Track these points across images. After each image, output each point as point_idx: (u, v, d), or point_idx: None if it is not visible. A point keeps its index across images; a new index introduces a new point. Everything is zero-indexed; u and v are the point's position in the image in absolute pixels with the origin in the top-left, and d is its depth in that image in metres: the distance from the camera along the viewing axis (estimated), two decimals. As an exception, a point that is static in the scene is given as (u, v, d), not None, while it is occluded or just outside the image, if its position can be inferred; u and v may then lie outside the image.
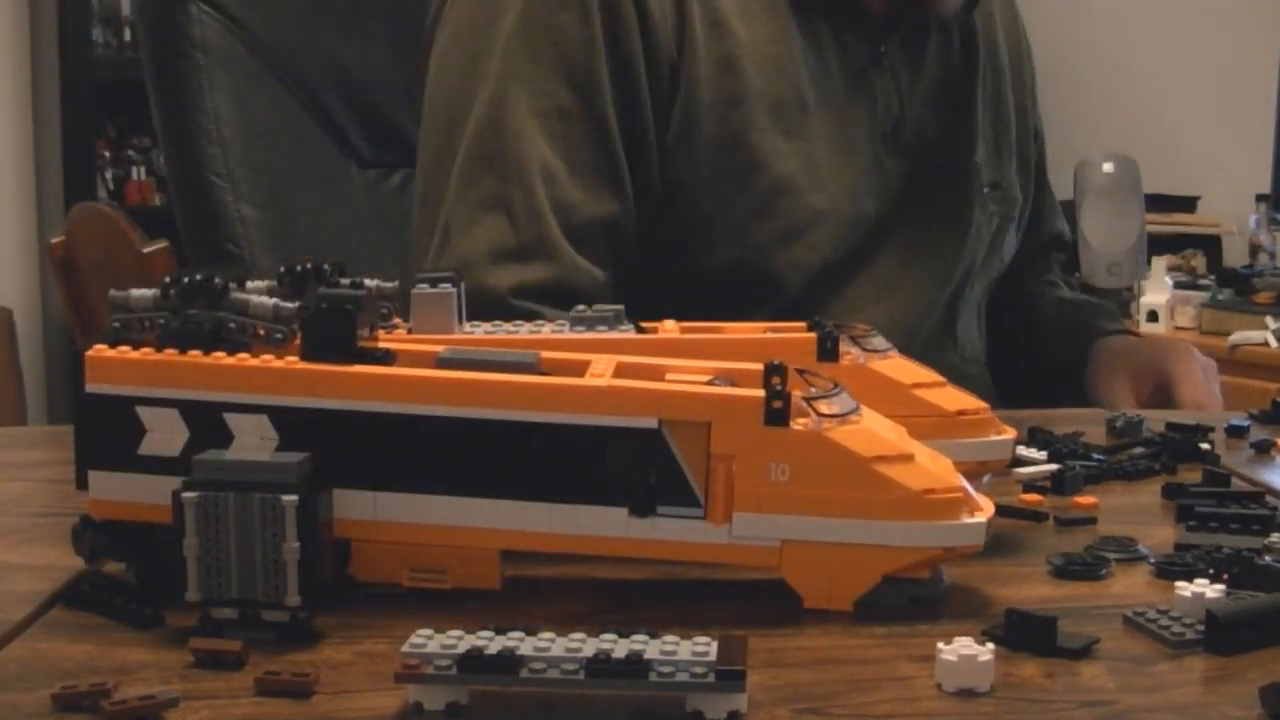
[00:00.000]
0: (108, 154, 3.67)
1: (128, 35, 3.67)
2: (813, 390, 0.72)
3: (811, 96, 1.23)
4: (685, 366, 0.74)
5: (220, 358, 0.70)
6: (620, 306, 0.79)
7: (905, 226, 1.27)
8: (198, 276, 0.71)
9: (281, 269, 0.73)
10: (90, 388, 0.71)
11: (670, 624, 0.69)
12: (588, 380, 0.70)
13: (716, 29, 1.20)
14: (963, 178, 1.33)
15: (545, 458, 0.69)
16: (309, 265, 0.73)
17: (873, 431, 0.71)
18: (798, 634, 0.68)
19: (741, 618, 0.70)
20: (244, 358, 0.70)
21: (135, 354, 0.71)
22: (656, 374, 0.73)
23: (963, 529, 0.70)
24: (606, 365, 0.72)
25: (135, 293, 0.72)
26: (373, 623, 0.69)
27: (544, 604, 0.72)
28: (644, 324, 0.79)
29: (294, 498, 0.64)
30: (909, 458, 0.71)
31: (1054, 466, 0.95)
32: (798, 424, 0.69)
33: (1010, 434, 0.78)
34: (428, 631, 0.59)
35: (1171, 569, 0.76)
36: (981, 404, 0.77)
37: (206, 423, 0.70)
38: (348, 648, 0.66)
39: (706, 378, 0.73)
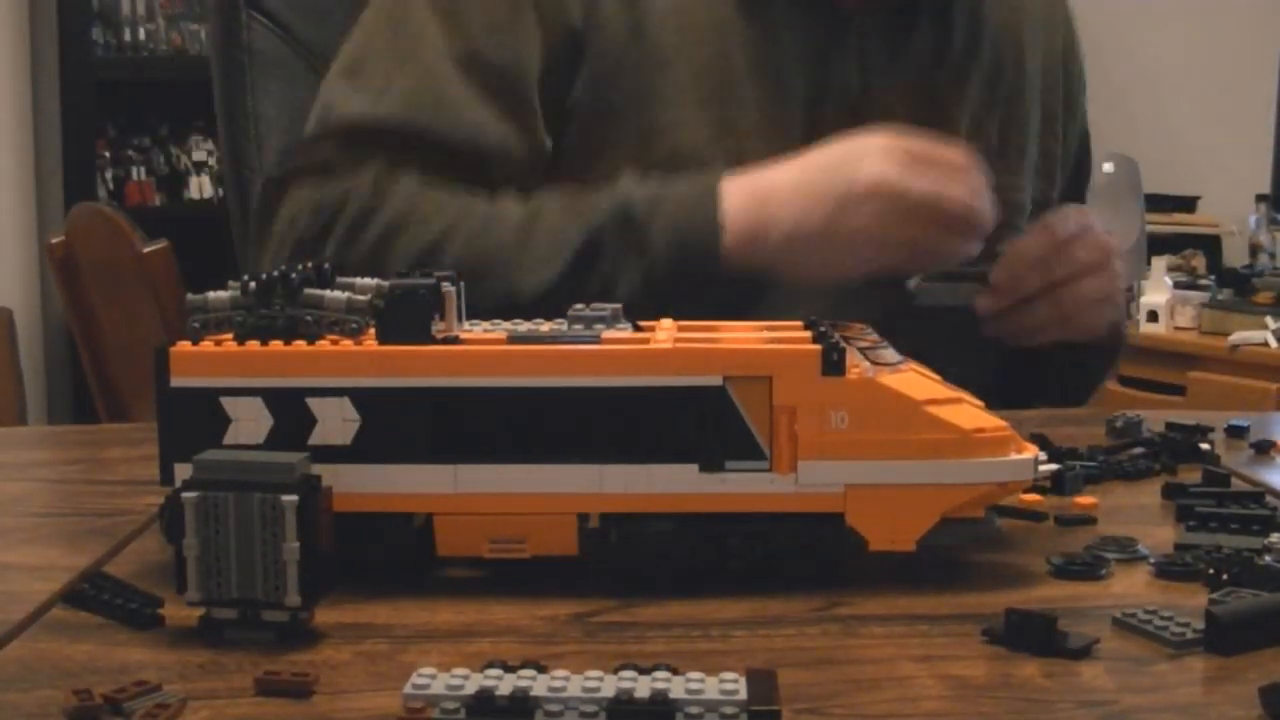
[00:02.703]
0: (108, 154, 3.67)
1: (128, 35, 3.67)
2: (860, 342, 0.77)
3: (742, 65, 1.20)
4: (735, 326, 0.80)
5: (301, 345, 0.74)
6: (619, 305, 0.79)
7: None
8: (274, 273, 0.74)
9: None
10: (176, 382, 0.74)
11: (670, 624, 0.69)
12: (652, 344, 0.74)
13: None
14: None
15: (617, 421, 0.73)
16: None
17: (921, 377, 0.76)
18: (798, 634, 0.68)
19: (741, 616, 0.70)
20: (323, 344, 0.74)
21: (219, 347, 0.74)
22: (713, 336, 0.77)
23: (1013, 465, 0.75)
24: (669, 331, 0.77)
25: (212, 294, 0.75)
26: (373, 623, 0.69)
27: (543, 603, 0.72)
28: (641, 323, 0.79)
29: (294, 498, 0.64)
30: (958, 400, 0.75)
31: (1054, 466, 0.94)
32: (853, 373, 0.73)
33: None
34: (430, 670, 0.58)
35: (1171, 569, 0.76)
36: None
37: (290, 409, 0.73)
38: (348, 648, 0.66)
39: (761, 334, 0.77)
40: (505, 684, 0.57)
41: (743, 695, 0.56)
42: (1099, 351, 1.31)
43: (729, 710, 0.56)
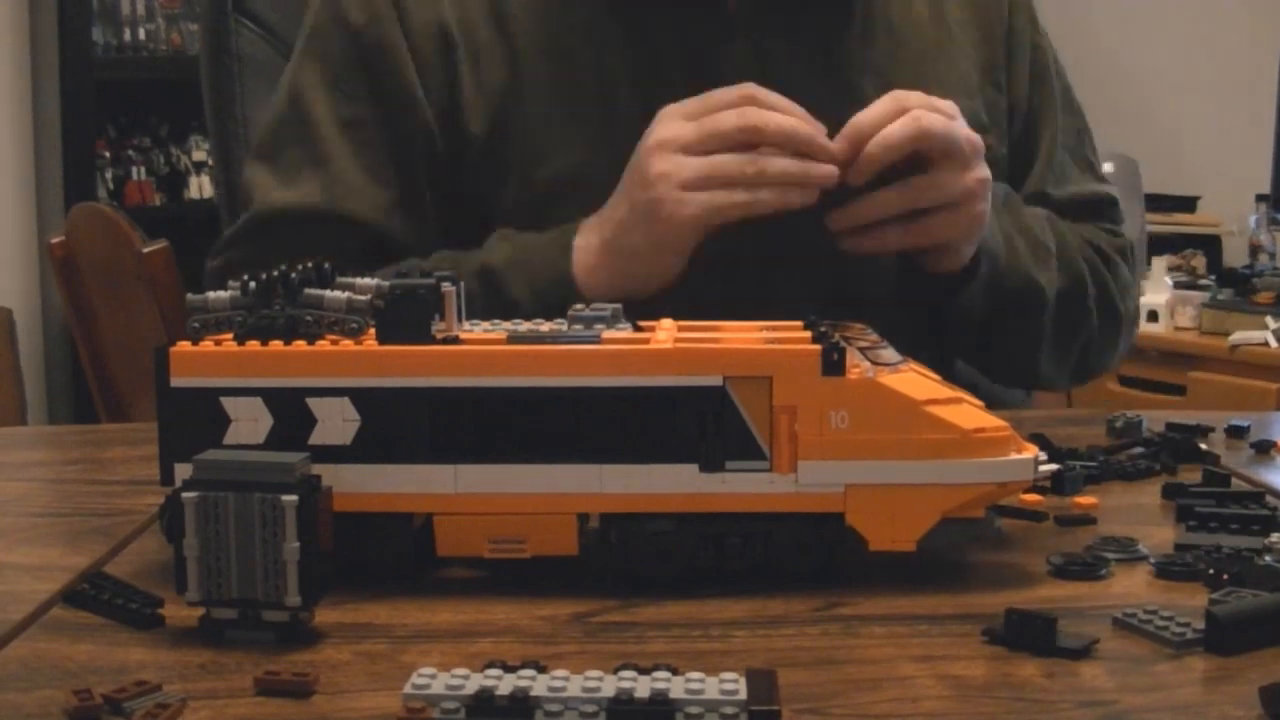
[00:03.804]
0: (108, 154, 3.67)
1: (127, 35, 3.67)
2: (860, 342, 0.76)
3: (623, 83, 1.18)
4: (735, 326, 0.80)
5: (301, 345, 0.74)
6: (618, 305, 0.79)
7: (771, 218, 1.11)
8: (274, 274, 0.75)
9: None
10: (175, 382, 0.74)
11: (670, 624, 0.69)
12: (653, 344, 0.74)
13: (499, 22, 1.20)
14: None
15: (617, 421, 0.73)
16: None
17: (921, 377, 0.75)
18: (798, 634, 0.68)
19: (741, 616, 0.70)
20: (323, 344, 0.74)
21: (219, 347, 0.74)
22: (713, 336, 0.77)
23: (1013, 465, 0.75)
24: (669, 331, 0.77)
25: (212, 295, 0.75)
26: (373, 623, 0.69)
27: (543, 603, 0.72)
28: (641, 323, 0.79)
29: (294, 498, 0.64)
30: (958, 400, 0.75)
31: (1054, 466, 0.94)
32: (853, 373, 0.73)
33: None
34: (430, 670, 0.58)
35: (1171, 569, 0.76)
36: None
37: (290, 409, 0.73)
38: (348, 648, 0.66)
39: (761, 334, 0.77)
40: (505, 684, 0.57)
41: (743, 695, 0.56)
42: (967, 277, 1.19)
43: (729, 710, 0.56)
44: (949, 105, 1.12)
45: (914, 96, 1.10)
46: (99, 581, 0.72)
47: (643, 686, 0.57)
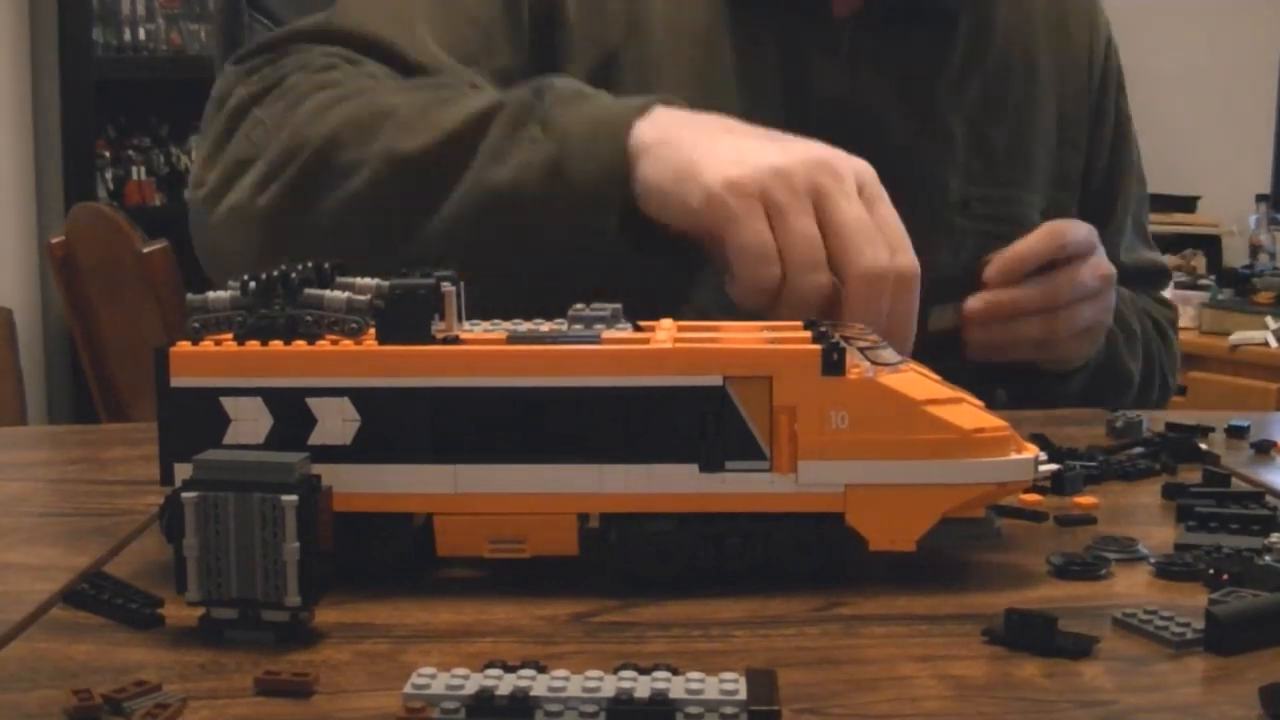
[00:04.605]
0: (108, 154, 3.67)
1: (127, 35, 3.68)
2: (860, 342, 0.77)
3: (727, 70, 1.19)
4: (735, 326, 0.80)
5: (301, 345, 0.74)
6: (618, 305, 0.79)
7: None
8: (273, 274, 0.75)
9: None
10: (175, 382, 0.74)
11: (670, 624, 0.69)
12: (653, 344, 0.74)
13: None
14: (929, 185, 1.23)
15: (617, 421, 0.73)
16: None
17: (921, 377, 0.76)
18: (798, 634, 0.68)
19: (741, 616, 0.70)
20: (323, 345, 0.74)
21: (219, 347, 0.74)
22: (713, 336, 0.77)
23: (1013, 465, 0.75)
24: (669, 331, 0.77)
25: (212, 295, 0.75)
26: (373, 623, 0.69)
27: (543, 603, 0.72)
28: (641, 323, 0.79)
29: (294, 498, 0.64)
30: (958, 400, 0.75)
31: (1054, 466, 0.94)
32: (853, 373, 0.73)
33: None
34: (430, 670, 0.58)
35: (1171, 569, 0.76)
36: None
37: (290, 409, 0.73)
38: (348, 648, 0.66)
39: (761, 334, 0.77)
40: (505, 684, 0.57)
41: (743, 695, 0.56)
42: (1071, 376, 1.24)
43: (729, 710, 0.55)
44: (1106, 271, 1.15)
45: (1072, 278, 1.12)
46: (99, 581, 0.72)
47: (643, 686, 0.57)
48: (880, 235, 0.93)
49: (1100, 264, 1.15)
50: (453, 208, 1.03)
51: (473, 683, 0.57)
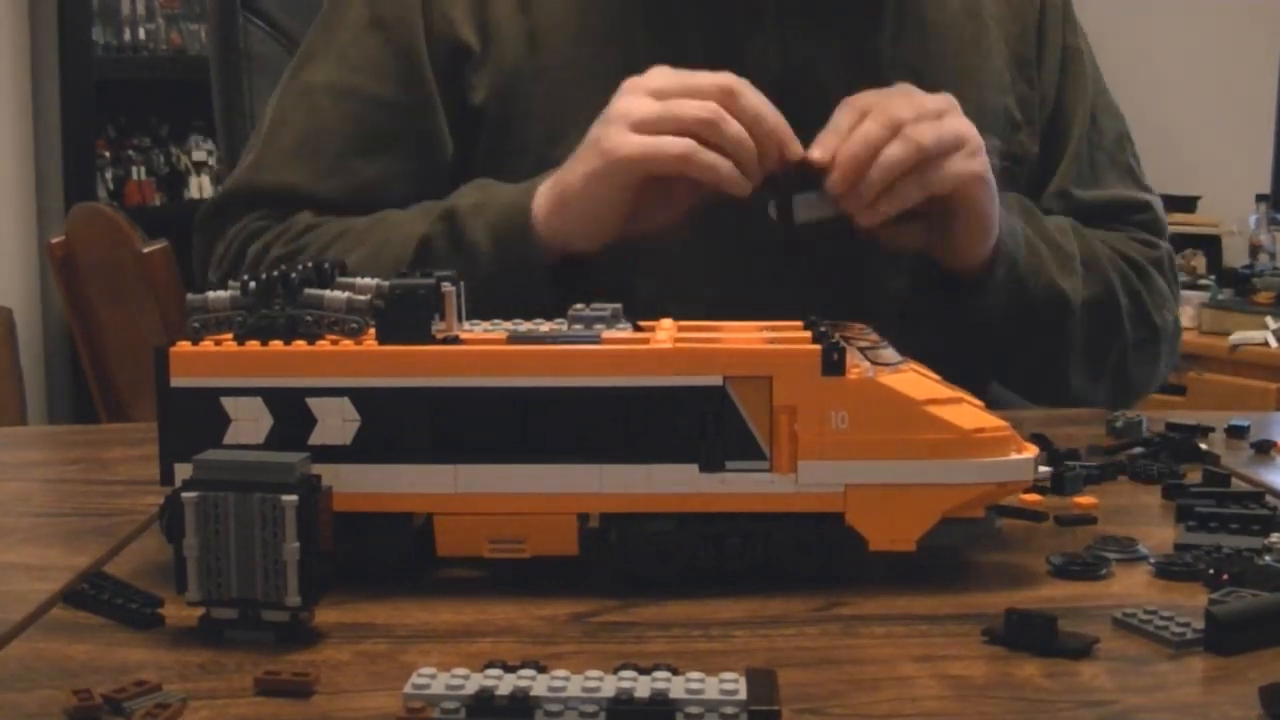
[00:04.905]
0: (108, 154, 3.67)
1: (127, 35, 3.67)
2: (860, 342, 0.77)
3: (646, 64, 1.14)
4: (735, 326, 0.80)
5: (301, 345, 0.74)
6: (619, 305, 0.79)
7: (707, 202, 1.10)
8: (274, 274, 0.75)
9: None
10: (175, 382, 0.74)
11: (670, 624, 0.69)
12: (652, 344, 0.74)
13: (523, 6, 1.21)
14: None
15: (617, 421, 0.73)
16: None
17: (921, 377, 0.75)
18: (798, 634, 0.68)
19: (741, 616, 0.70)
20: (323, 345, 0.74)
21: (219, 347, 0.74)
22: (713, 336, 0.77)
23: (1012, 465, 0.75)
24: (669, 331, 0.77)
25: (212, 295, 0.75)
26: (373, 623, 0.69)
27: (543, 603, 0.72)
28: (641, 323, 0.79)
29: (294, 498, 0.64)
30: (958, 400, 0.75)
31: (1047, 470, 0.94)
32: (853, 373, 0.73)
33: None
34: (430, 670, 0.58)
35: (1171, 569, 0.76)
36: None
37: (290, 409, 0.73)
38: (348, 648, 0.66)
39: (761, 334, 0.77)
40: (505, 684, 0.57)
41: (743, 695, 0.56)
42: (988, 278, 1.17)
43: (729, 710, 0.56)
44: (939, 101, 1.09)
45: (897, 104, 1.07)
46: (99, 581, 0.72)
47: (643, 686, 0.57)
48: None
49: (927, 96, 1.10)
50: None
51: (473, 683, 0.57)
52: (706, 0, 1.21)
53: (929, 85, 1.13)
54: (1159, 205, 1.37)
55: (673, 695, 0.56)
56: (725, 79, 1.06)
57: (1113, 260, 1.28)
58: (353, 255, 1.14)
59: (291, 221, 1.21)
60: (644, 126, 1.04)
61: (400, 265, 1.09)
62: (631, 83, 1.07)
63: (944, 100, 1.10)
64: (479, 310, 0.81)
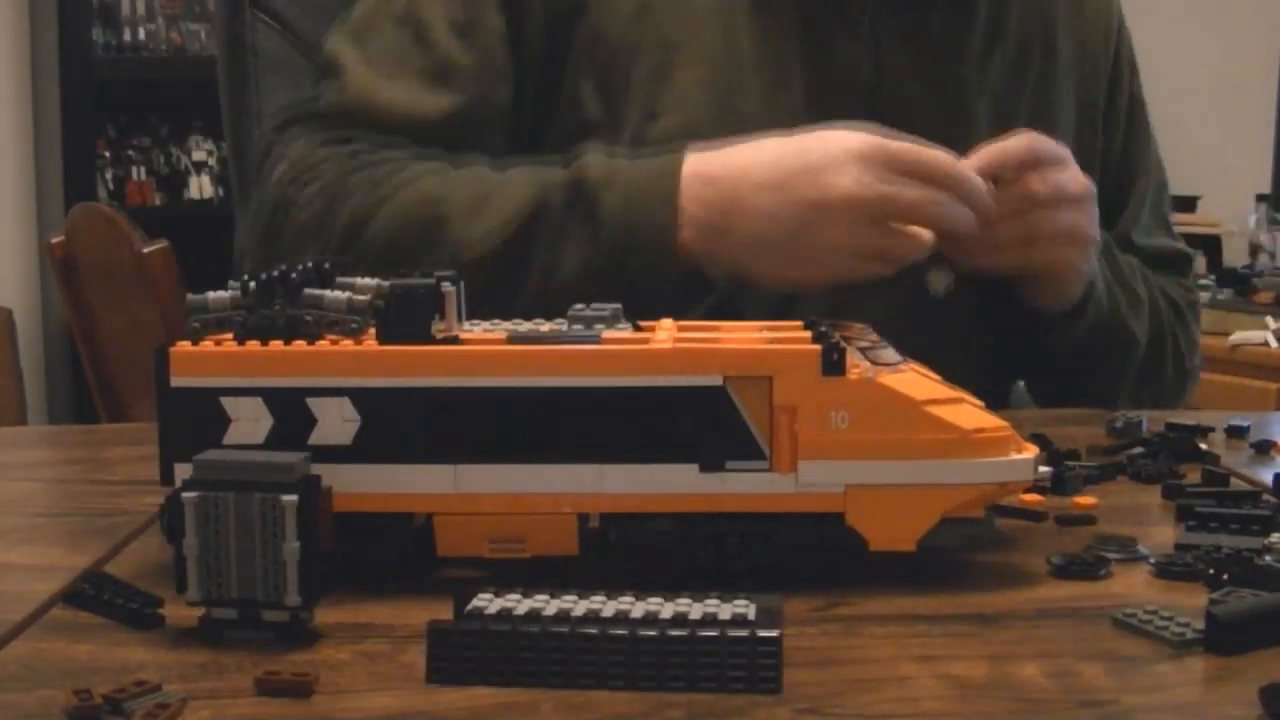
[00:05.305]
0: (108, 154, 3.67)
1: (127, 35, 3.67)
2: (860, 342, 0.77)
3: (748, 52, 1.19)
4: (735, 326, 0.80)
5: (301, 345, 0.74)
6: (618, 305, 0.79)
7: None
8: (274, 274, 0.75)
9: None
10: (175, 382, 0.74)
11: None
12: (652, 344, 0.74)
13: None
14: None
15: (617, 421, 0.73)
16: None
17: (921, 377, 0.76)
18: (798, 634, 0.68)
19: (741, 618, 0.70)
20: (323, 344, 0.74)
21: (219, 347, 0.74)
22: (713, 336, 0.77)
23: (1013, 465, 0.75)
24: (669, 331, 0.77)
25: (212, 295, 0.75)
26: (373, 623, 0.69)
27: (544, 604, 0.72)
28: (641, 323, 0.79)
29: (294, 498, 0.64)
30: (958, 400, 0.75)
31: (1047, 470, 0.94)
32: (853, 373, 0.73)
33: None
34: (488, 595, 0.64)
35: (1171, 569, 0.76)
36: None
37: (290, 409, 0.73)
38: (348, 648, 0.66)
39: (761, 334, 0.77)
40: (551, 606, 0.63)
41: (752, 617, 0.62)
42: (1070, 320, 1.22)
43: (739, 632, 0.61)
44: (1081, 187, 1.15)
45: (1062, 180, 1.13)
46: (99, 581, 0.72)
47: (666, 610, 0.63)
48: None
49: (1078, 174, 1.15)
50: (521, 302, 1.06)
51: (523, 605, 0.63)
52: (806, 3, 1.22)
53: (1006, 114, 1.17)
54: (1194, 258, 1.45)
55: (692, 616, 0.62)
56: (943, 160, 1.07)
57: (1165, 303, 1.34)
58: (454, 201, 1.12)
59: (385, 153, 1.18)
60: (861, 252, 1.07)
61: (501, 223, 1.10)
62: (865, 150, 1.07)
63: (1088, 187, 1.15)
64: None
